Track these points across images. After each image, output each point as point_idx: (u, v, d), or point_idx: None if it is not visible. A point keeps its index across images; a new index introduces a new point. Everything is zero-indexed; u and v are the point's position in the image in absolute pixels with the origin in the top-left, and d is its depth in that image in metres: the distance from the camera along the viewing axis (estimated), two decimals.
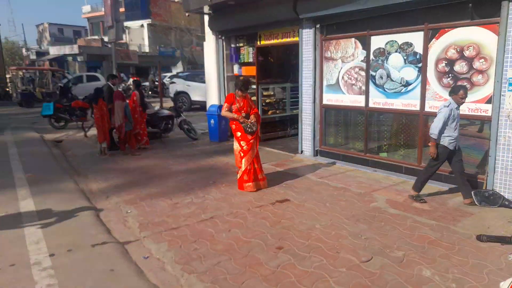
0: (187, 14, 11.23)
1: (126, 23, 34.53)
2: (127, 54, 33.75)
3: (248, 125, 5.59)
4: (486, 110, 5.22)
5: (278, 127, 9.93)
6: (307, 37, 7.52)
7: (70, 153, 8.85)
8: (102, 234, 4.39)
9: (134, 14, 36.33)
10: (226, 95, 5.64)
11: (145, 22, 38.37)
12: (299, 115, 7.97)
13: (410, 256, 3.69)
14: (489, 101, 5.18)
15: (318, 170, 6.87)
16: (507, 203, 2.05)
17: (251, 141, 5.64)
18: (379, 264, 3.57)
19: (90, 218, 4.87)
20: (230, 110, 5.63)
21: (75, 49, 33.52)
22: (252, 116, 5.68)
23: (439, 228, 4.28)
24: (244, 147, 5.61)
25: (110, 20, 11.86)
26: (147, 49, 38.46)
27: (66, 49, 34.33)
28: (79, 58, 33.58)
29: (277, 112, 9.82)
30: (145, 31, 38.91)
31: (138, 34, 38.94)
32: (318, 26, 7.34)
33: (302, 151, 7.96)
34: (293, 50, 8.76)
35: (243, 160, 5.66)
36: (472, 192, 2.14)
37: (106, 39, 34.81)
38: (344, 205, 5.10)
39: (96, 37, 41.43)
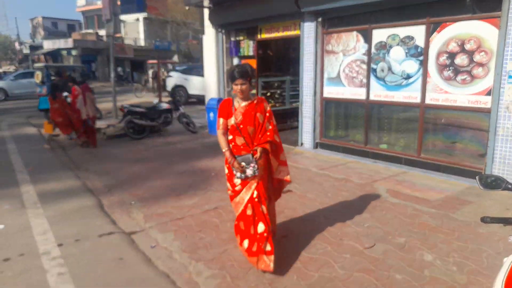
0: (187, 8, 11.20)
1: (121, 17, 34.27)
2: (123, 48, 33.55)
3: (241, 169, 3.30)
4: (485, 102, 5.30)
5: (278, 120, 9.95)
6: (308, 31, 7.55)
7: (68, 147, 8.84)
8: (108, 225, 4.43)
9: (129, 7, 36.03)
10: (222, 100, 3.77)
11: (141, 16, 38.11)
12: (300, 107, 8.02)
13: (411, 242, 3.77)
14: (488, 93, 5.26)
15: (319, 162, 6.94)
16: (510, 186, 2.11)
17: (251, 185, 3.40)
18: (382, 250, 3.65)
19: (94, 210, 4.90)
20: (224, 129, 3.48)
21: (69, 43, 33.27)
22: (258, 152, 3.33)
23: (439, 216, 4.38)
24: (236, 187, 3.45)
25: (108, 14, 11.76)
26: (142, 43, 38.23)
27: (60, 43, 34.06)
28: (73, 52, 33.32)
29: (277, 105, 9.85)
30: (141, 24, 38.67)
31: (134, 28, 38.69)
32: (319, 19, 7.37)
33: (302, 144, 8.02)
34: (293, 44, 8.79)
35: (233, 204, 3.55)
36: (476, 177, 2.21)
37: (101, 33, 34.61)
38: (346, 195, 5.17)
39: (90, 31, 41.08)
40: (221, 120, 3.49)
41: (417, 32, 5.95)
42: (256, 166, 3.31)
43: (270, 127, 3.48)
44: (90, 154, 8.04)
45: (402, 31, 6.16)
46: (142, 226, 4.38)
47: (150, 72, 23.12)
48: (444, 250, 3.62)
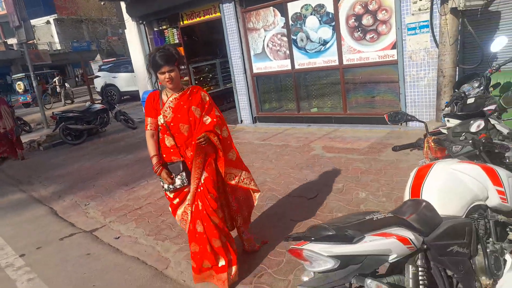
0: (102, 3, 10.85)
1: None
2: (38, 54, 31.11)
3: (169, 180, 2.82)
4: (392, 55, 6.01)
5: (215, 102, 10.22)
6: (228, 12, 7.81)
7: (4, 164, 8.43)
8: (67, 228, 4.51)
9: (36, 11, 33.35)
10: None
11: (51, 18, 35.53)
12: (233, 86, 8.35)
13: (347, 186, 4.35)
14: (394, 46, 5.97)
15: (260, 134, 7.38)
16: (409, 117, 2.65)
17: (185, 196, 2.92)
18: (324, 197, 4.18)
19: (49, 218, 4.93)
20: (155, 130, 2.89)
21: None
22: (196, 159, 2.78)
23: (367, 160, 5.03)
24: (173, 200, 2.95)
25: (16, 20, 11.02)
26: (58, 47, 35.81)
27: None
28: None
29: (211, 88, 10.10)
30: (53, 27, 36.10)
31: (46, 32, 36.03)
32: None
33: (242, 121, 8.41)
34: (216, 26, 8.99)
35: (177, 220, 3.04)
36: (385, 116, 2.72)
37: (11, 41, 31.81)
38: (287, 158, 5.67)
39: None
40: (149, 120, 2.86)
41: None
42: (184, 174, 2.80)
43: (210, 119, 2.84)
44: (28, 168, 7.77)
45: (313, 1, 6.66)
46: (102, 223, 4.52)
47: (56, 79, 20.28)
48: (374, 186, 4.23)
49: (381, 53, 6.14)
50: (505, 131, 2.44)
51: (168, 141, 2.84)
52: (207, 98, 2.94)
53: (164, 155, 2.89)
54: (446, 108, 4.06)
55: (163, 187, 2.89)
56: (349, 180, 4.52)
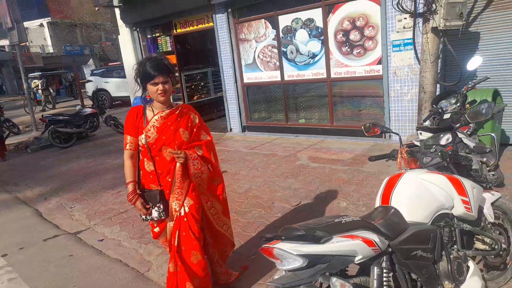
0: (97, 8, 10.95)
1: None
2: (30, 57, 31.05)
3: (145, 210, 2.51)
4: (378, 70, 6.20)
5: (205, 110, 10.35)
6: (221, 22, 7.98)
7: None
8: (51, 230, 4.53)
9: (29, 13, 33.32)
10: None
11: (45, 21, 35.48)
12: (224, 95, 8.47)
13: (329, 195, 4.47)
14: (379, 62, 6.16)
15: (248, 143, 7.49)
16: (385, 129, 2.80)
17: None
18: (307, 205, 4.29)
19: (34, 219, 4.93)
20: (134, 151, 2.57)
21: None
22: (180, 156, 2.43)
23: (350, 171, 5.16)
24: (154, 228, 2.68)
25: (9, 21, 11.04)
26: (51, 50, 35.70)
27: None
28: None
29: (202, 96, 10.21)
30: (46, 30, 36.02)
31: (39, 35, 35.93)
32: (229, 10, 7.82)
33: (231, 129, 8.51)
34: (209, 35, 9.15)
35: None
36: (362, 127, 2.86)
37: (2, 42, 31.64)
38: (273, 167, 5.77)
39: None
40: (129, 138, 2.52)
41: (316, 14, 6.69)
42: (162, 206, 2.51)
43: (194, 138, 2.60)
44: (15, 169, 7.75)
45: (304, 15, 6.86)
46: (87, 225, 4.55)
47: (39, 82, 18.85)
48: (355, 196, 4.35)
49: (367, 68, 6.33)
50: (471, 144, 2.60)
51: (148, 166, 2.52)
52: (197, 121, 2.63)
53: (143, 181, 2.57)
54: (425, 123, 4.22)
55: (140, 215, 2.59)
56: (332, 189, 4.64)
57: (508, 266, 2.55)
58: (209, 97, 10.38)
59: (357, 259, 1.69)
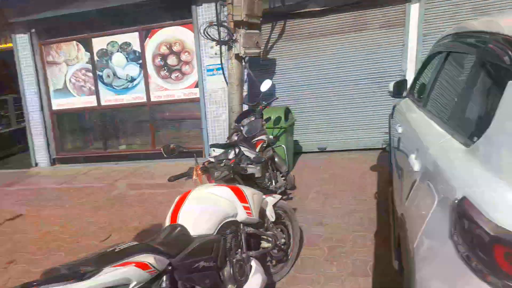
0: None
1: None
2: None
3: None
4: (195, 93, 6.44)
5: (7, 144, 8.69)
6: (22, 43, 7.02)
7: None
8: None
9: None
10: None
11: None
12: (27, 126, 7.31)
13: (145, 220, 4.22)
14: (196, 85, 6.41)
15: (58, 177, 6.53)
16: (182, 149, 2.80)
17: None
18: (118, 236, 3.91)
19: None
20: None
21: None
22: None
23: (170, 193, 4.97)
24: None
25: None
26: None
27: None
28: None
29: (0, 129, 8.58)
30: None
31: None
32: (33, 30, 6.98)
33: (37, 164, 7.32)
34: (9, 57, 7.91)
35: None
36: (161, 148, 2.78)
37: None
38: (85, 201, 5.15)
39: None
40: None
41: (133, 38, 6.60)
42: None
43: None
44: None
45: (120, 38, 6.68)
46: None
47: None
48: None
49: (186, 91, 6.49)
50: (252, 156, 2.96)
51: None
52: None
53: None
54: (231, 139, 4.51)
55: None
56: (147, 214, 4.40)
57: (289, 257, 2.85)
58: (11, 128, 8.81)
59: (132, 286, 1.54)
